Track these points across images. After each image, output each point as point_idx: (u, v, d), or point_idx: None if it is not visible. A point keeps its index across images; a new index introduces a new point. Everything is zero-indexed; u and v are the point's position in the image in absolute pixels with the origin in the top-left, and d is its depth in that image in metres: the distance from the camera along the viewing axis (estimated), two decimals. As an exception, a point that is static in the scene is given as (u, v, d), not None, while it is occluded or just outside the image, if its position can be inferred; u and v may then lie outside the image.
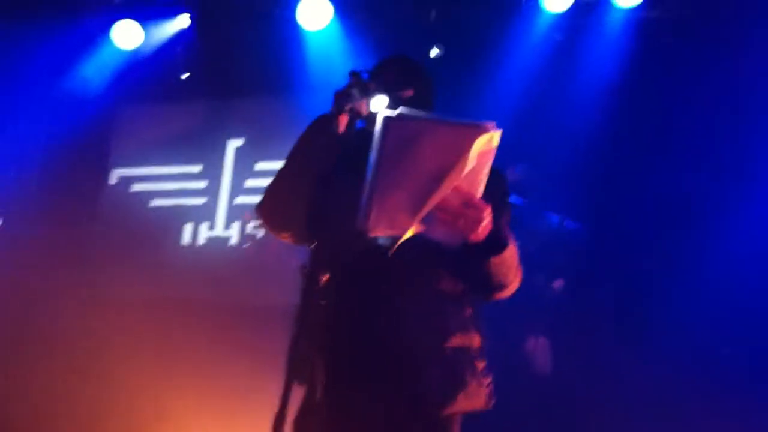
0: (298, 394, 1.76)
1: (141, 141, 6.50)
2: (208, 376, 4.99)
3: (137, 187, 6.48)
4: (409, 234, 1.86)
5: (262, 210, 2.30)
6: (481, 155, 1.82)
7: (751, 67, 4.56)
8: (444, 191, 1.81)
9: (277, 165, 5.97)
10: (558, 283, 4.46)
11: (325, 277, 1.81)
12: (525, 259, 2.16)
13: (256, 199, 6.01)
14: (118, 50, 6.15)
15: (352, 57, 5.70)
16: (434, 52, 5.39)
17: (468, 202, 1.85)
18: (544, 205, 4.53)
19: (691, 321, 4.13)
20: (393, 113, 1.75)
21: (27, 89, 6.41)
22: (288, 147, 5.80)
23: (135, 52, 6.17)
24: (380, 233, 1.88)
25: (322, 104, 5.39)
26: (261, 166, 6.16)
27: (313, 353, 1.77)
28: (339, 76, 5.63)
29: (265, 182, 5.98)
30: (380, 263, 2.02)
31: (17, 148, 6.53)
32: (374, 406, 2.06)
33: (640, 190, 4.58)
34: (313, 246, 2.02)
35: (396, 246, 1.87)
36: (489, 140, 1.80)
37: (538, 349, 4.34)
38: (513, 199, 3.06)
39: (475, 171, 1.83)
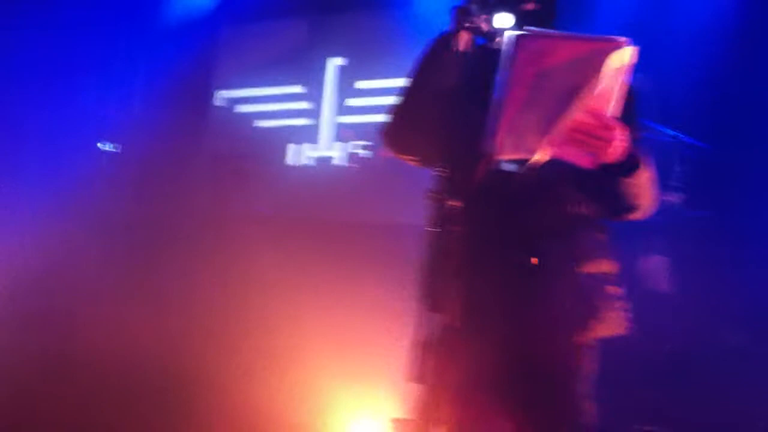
0: (429, 319, 1.76)
1: (243, 62, 6.56)
2: (331, 297, 5.06)
3: (241, 109, 6.57)
4: (538, 156, 1.81)
5: (385, 133, 2.26)
6: (615, 72, 1.74)
7: None
8: (576, 111, 1.74)
9: (378, 83, 6.03)
10: (676, 198, 4.30)
11: (454, 202, 1.78)
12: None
13: (358, 118, 6.13)
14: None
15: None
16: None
17: (600, 122, 1.78)
18: (657, 117, 4.34)
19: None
20: (521, 31, 1.67)
21: (131, 15, 6.51)
22: (389, 64, 5.80)
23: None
24: (508, 155, 1.83)
25: (424, 20, 5.31)
26: (362, 84, 6.12)
27: (447, 279, 1.76)
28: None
29: (367, 101, 6.07)
30: (509, 186, 1.97)
31: (125, 76, 6.70)
32: (508, 331, 2.05)
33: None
34: (439, 169, 1.99)
35: (524, 168, 1.82)
36: (622, 57, 1.71)
37: (655, 267, 4.23)
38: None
39: (608, 89, 1.75)
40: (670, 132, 4.28)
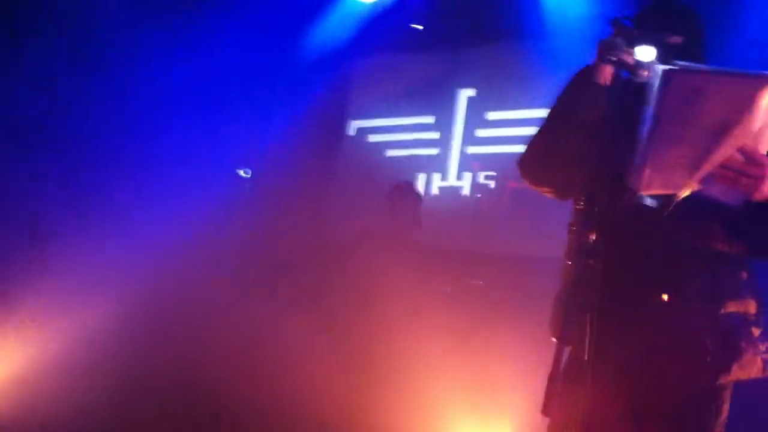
0: (563, 353, 1.74)
1: (377, 93, 6.72)
2: (459, 329, 5.06)
3: (373, 138, 6.71)
4: (685, 193, 1.77)
5: (524, 163, 2.27)
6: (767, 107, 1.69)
7: None
8: (728, 149, 1.71)
9: (508, 114, 6.03)
10: None
11: (593, 236, 1.76)
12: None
13: (488, 149, 6.14)
14: (357, 3, 6.36)
15: (589, 3, 5.48)
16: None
17: (751, 159, 1.73)
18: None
19: None
20: (674, 66, 1.65)
21: (270, 46, 6.79)
22: (520, 95, 5.78)
23: (373, 5, 6.34)
24: (653, 191, 1.81)
25: (556, 51, 5.26)
26: (493, 115, 6.14)
27: (581, 312, 1.74)
28: (574, 21, 5.45)
29: (497, 132, 6.09)
30: (652, 223, 1.94)
31: (262, 104, 6.97)
32: (644, 370, 2.02)
33: None
34: (580, 203, 1.98)
35: (672, 205, 1.79)
36: None
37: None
38: None
39: (762, 125, 1.71)
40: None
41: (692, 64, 1.67)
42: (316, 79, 6.80)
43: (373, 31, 6.49)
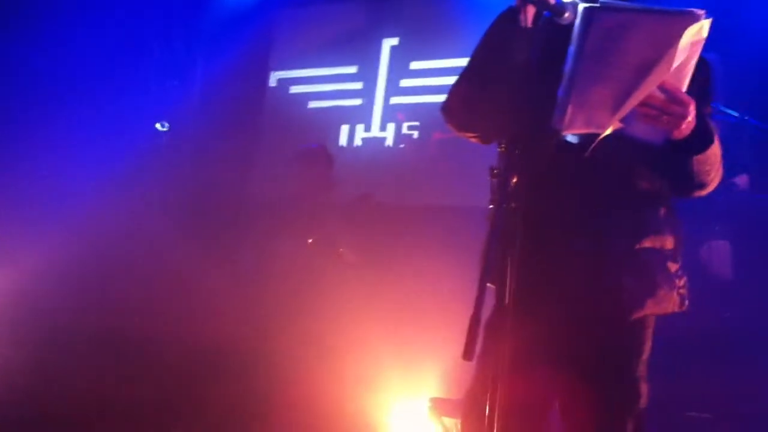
0: (486, 297, 1.73)
1: (298, 43, 6.59)
2: (385, 278, 5.06)
3: (295, 89, 6.58)
4: (607, 131, 1.76)
5: (448, 109, 2.22)
6: (689, 46, 1.68)
7: None
8: (650, 86, 1.70)
9: (433, 64, 5.97)
10: (742, 180, 4.19)
11: (516, 179, 1.74)
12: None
13: (412, 99, 6.08)
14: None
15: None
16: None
17: (673, 97, 1.74)
18: (724, 100, 4.23)
19: None
20: (595, 4, 1.62)
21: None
22: (444, 45, 5.74)
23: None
24: (577, 130, 1.80)
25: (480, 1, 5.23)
26: (417, 65, 6.09)
27: (505, 256, 1.73)
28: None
29: (421, 82, 6.02)
30: (575, 162, 1.93)
31: (180, 56, 6.76)
32: (563, 309, 2.03)
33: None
34: (502, 146, 1.95)
35: (594, 145, 1.78)
36: (699, 30, 1.66)
37: (717, 252, 4.13)
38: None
39: (681, 63, 1.71)
40: (736, 114, 4.17)
41: (614, 2, 1.65)
42: (236, 29, 6.60)
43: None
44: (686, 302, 2.11)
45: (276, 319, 4.97)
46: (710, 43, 1.76)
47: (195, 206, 6.21)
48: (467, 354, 1.58)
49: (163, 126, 6.30)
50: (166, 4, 6.48)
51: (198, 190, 6.30)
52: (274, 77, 6.70)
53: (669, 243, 2.10)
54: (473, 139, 2.24)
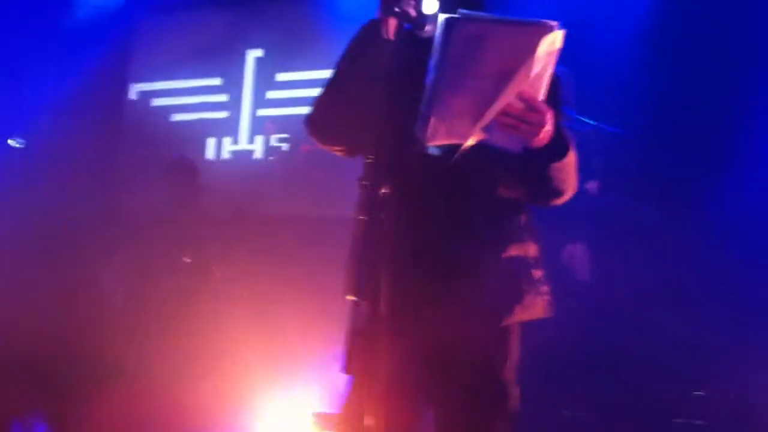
0: (358, 309, 1.73)
1: (159, 54, 6.39)
2: (256, 291, 4.99)
3: (157, 102, 6.40)
4: (469, 142, 1.80)
5: (311, 122, 2.21)
6: (545, 56, 1.74)
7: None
8: (509, 96, 1.74)
9: (299, 75, 5.95)
10: (592, 185, 4.39)
11: (384, 189, 1.75)
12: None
13: (279, 111, 6.03)
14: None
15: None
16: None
17: (531, 106, 1.78)
18: (579, 109, 4.43)
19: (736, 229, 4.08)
20: (455, 14, 1.65)
21: (43, 10, 6.28)
22: (309, 56, 5.72)
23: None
24: (440, 141, 1.82)
25: (345, 10, 5.25)
26: (282, 76, 6.05)
27: (374, 267, 1.73)
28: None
29: (287, 93, 5.98)
30: (439, 172, 1.96)
31: (37, 69, 6.44)
32: (434, 318, 2.05)
33: (685, 100, 4.46)
34: (369, 158, 1.95)
35: (457, 155, 1.81)
36: (553, 41, 1.72)
37: (577, 255, 4.30)
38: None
39: (538, 73, 1.76)
40: (591, 122, 4.36)
41: (473, 13, 1.68)
42: (93, 40, 6.34)
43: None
44: (551, 308, 2.18)
45: (152, 337, 4.85)
46: (564, 54, 1.83)
47: (55, 225, 5.92)
48: (345, 367, 1.57)
49: (18, 143, 5.98)
50: (16, 12, 6.14)
51: (57, 208, 6.01)
52: (134, 90, 6.49)
53: (532, 250, 2.16)
54: (338, 152, 2.23)
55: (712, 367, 4.01)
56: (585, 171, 4.27)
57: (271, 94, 6.10)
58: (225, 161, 6.11)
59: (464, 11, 1.66)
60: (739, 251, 4.17)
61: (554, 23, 1.69)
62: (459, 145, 1.83)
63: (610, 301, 4.16)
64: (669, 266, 4.16)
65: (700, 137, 4.46)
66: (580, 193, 4.21)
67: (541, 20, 1.69)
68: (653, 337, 4.14)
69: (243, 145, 6.11)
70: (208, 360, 4.59)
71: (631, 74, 4.61)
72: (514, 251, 2.11)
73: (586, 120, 4.37)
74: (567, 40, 1.78)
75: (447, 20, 1.66)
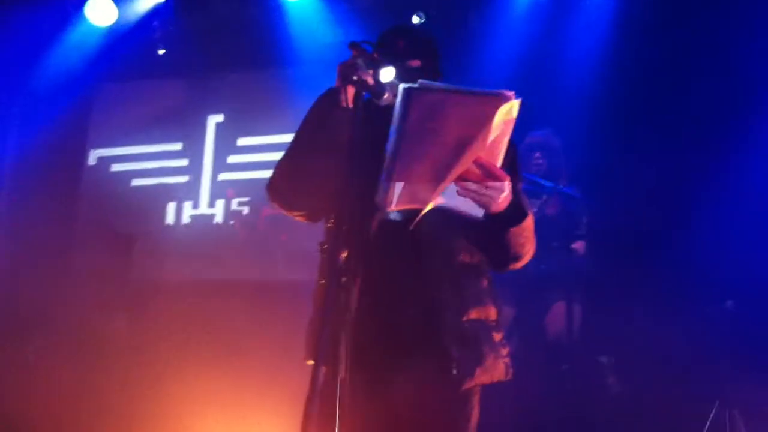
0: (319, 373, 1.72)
1: (119, 120, 6.39)
2: (205, 355, 4.93)
3: (117, 167, 6.37)
4: (429, 207, 1.83)
5: (272, 187, 2.23)
6: (502, 125, 1.79)
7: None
8: (467, 162, 1.78)
9: (260, 140, 5.99)
10: (579, 245, 4.45)
11: (345, 254, 1.76)
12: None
13: (240, 175, 6.07)
14: (93, 28, 6.00)
15: (334, 27, 5.62)
16: (415, 19, 5.32)
17: (489, 172, 1.83)
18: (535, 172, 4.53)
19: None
20: (414, 84, 1.70)
21: (6, 68, 6.27)
22: (271, 121, 5.78)
23: (110, 30, 6.02)
24: (400, 206, 1.85)
25: (305, 77, 5.34)
26: (243, 141, 6.08)
27: (338, 332, 1.74)
28: (322, 48, 5.58)
29: (248, 158, 6.03)
30: (399, 238, 1.99)
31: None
32: (396, 384, 2.05)
33: (637, 157, 4.57)
34: (330, 223, 1.97)
35: (416, 221, 1.84)
36: (510, 109, 1.77)
37: (556, 315, 4.33)
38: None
39: (495, 141, 1.80)
40: (550, 184, 4.44)
41: (432, 83, 1.73)
42: (53, 106, 6.33)
43: (114, 56, 6.17)
44: (511, 370, 2.19)
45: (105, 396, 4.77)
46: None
47: (11, 289, 5.81)
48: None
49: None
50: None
51: (12, 273, 5.91)
52: (93, 155, 6.46)
53: (492, 314, 2.19)
54: (299, 218, 2.25)
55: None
56: (571, 232, 4.38)
57: (232, 159, 6.11)
58: (185, 226, 6.08)
59: (424, 81, 1.71)
60: (716, 307, 4.22)
61: (510, 93, 1.74)
62: (419, 211, 1.86)
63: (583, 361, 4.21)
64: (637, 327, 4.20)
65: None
66: (569, 252, 4.31)
67: (498, 90, 1.74)
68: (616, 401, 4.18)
69: (204, 209, 6.09)
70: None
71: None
72: (475, 314, 2.13)
73: (547, 183, 4.45)
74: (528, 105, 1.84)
75: (406, 89, 1.70)
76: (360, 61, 2.07)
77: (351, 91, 2.05)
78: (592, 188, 4.59)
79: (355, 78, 2.03)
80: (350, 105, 2.02)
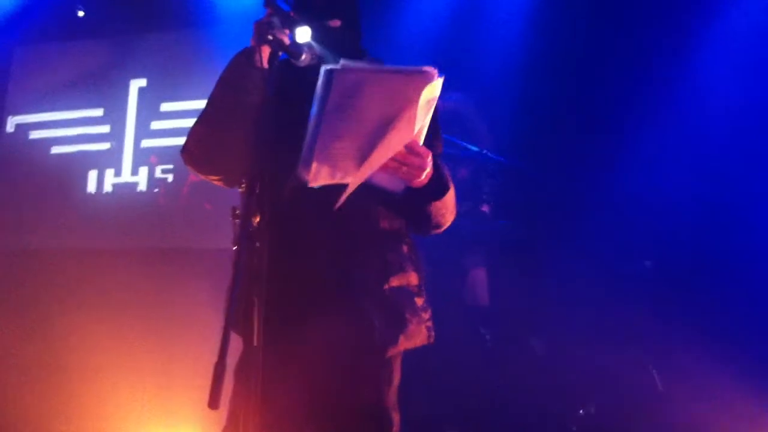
0: (237, 340, 1.68)
1: (37, 85, 6.14)
2: (130, 326, 4.85)
3: (36, 135, 6.15)
4: (354, 184, 1.81)
5: (187, 151, 2.16)
6: (425, 102, 1.78)
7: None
8: (391, 140, 1.78)
9: (184, 105, 5.85)
10: (486, 208, 4.48)
11: (257, 219, 1.72)
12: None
13: (163, 142, 5.92)
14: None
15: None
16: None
17: (412, 149, 1.84)
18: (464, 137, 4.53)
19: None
20: (335, 65, 1.66)
21: None
22: (195, 85, 5.64)
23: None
24: (322, 182, 1.82)
25: (230, 39, 5.22)
26: (167, 106, 5.91)
27: (251, 298, 1.70)
28: (244, 8, 5.44)
29: (172, 123, 5.88)
30: (316, 203, 1.95)
31: None
32: (315, 349, 2.02)
33: (564, 122, 4.62)
34: (244, 187, 1.92)
35: (343, 198, 1.82)
36: (432, 87, 1.77)
37: (476, 279, 4.37)
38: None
39: (418, 118, 1.80)
40: (476, 148, 4.46)
41: (354, 63, 1.70)
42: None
43: (31, 18, 5.93)
44: (432, 334, 2.19)
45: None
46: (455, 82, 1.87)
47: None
48: (212, 402, 1.52)
49: None
50: None
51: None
52: (11, 122, 6.22)
53: (414, 279, 2.18)
54: (217, 182, 2.20)
55: (601, 384, 4.12)
56: (477, 194, 4.41)
57: (156, 125, 5.95)
58: (107, 194, 5.91)
59: (345, 61, 1.68)
60: (628, 267, 4.32)
61: (434, 71, 1.73)
62: (343, 185, 1.83)
63: (497, 323, 4.25)
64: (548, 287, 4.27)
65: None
66: (476, 215, 4.35)
67: (421, 67, 1.73)
68: (543, 358, 4.24)
69: (126, 177, 5.93)
70: (84, 393, 4.44)
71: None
72: (396, 281, 2.12)
73: (473, 147, 4.46)
74: (457, 69, 1.83)
75: (328, 70, 1.68)
76: (275, 20, 2.01)
77: (266, 51, 1.99)
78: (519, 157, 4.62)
79: (270, 37, 1.97)
80: (265, 65, 1.96)
